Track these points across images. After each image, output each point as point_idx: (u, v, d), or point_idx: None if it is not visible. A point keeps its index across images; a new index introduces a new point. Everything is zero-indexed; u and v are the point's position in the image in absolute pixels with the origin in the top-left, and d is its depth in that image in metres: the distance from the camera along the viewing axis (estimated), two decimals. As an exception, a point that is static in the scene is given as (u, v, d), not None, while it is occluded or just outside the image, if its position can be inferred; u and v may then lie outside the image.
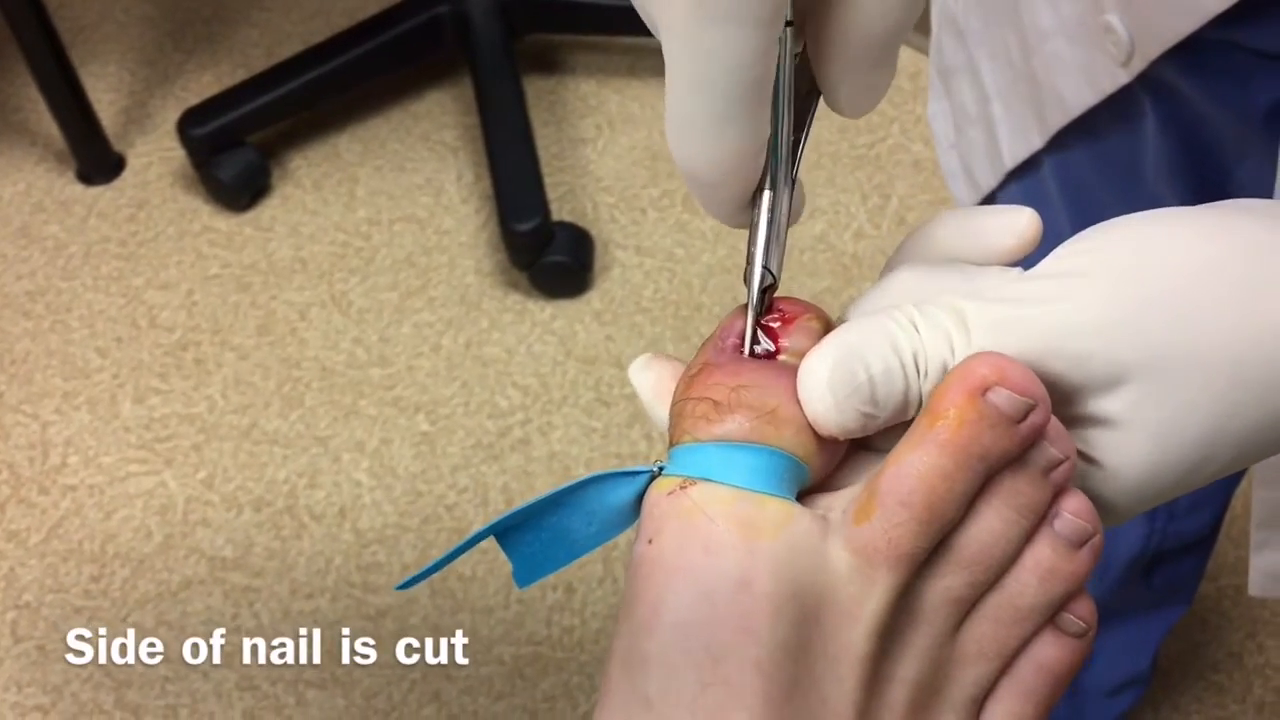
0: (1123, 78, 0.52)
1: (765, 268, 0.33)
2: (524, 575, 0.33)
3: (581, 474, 1.22)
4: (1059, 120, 0.58)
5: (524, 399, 1.28)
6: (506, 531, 0.33)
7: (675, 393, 0.33)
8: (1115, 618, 0.90)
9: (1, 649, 1.14)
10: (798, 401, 0.31)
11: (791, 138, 0.33)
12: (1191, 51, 0.48)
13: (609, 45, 1.60)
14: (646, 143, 1.50)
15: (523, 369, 1.30)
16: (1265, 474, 0.61)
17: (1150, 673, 1.00)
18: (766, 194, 0.33)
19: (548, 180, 1.38)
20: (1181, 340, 0.29)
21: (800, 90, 0.33)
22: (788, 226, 0.34)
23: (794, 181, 0.33)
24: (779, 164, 0.33)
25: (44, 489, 1.24)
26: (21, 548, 1.20)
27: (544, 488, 1.22)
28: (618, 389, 1.28)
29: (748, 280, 0.33)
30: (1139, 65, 0.50)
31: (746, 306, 0.33)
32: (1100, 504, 0.32)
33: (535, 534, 0.33)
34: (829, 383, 0.30)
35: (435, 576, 1.15)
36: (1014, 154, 0.63)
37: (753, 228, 0.33)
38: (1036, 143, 0.61)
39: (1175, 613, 0.93)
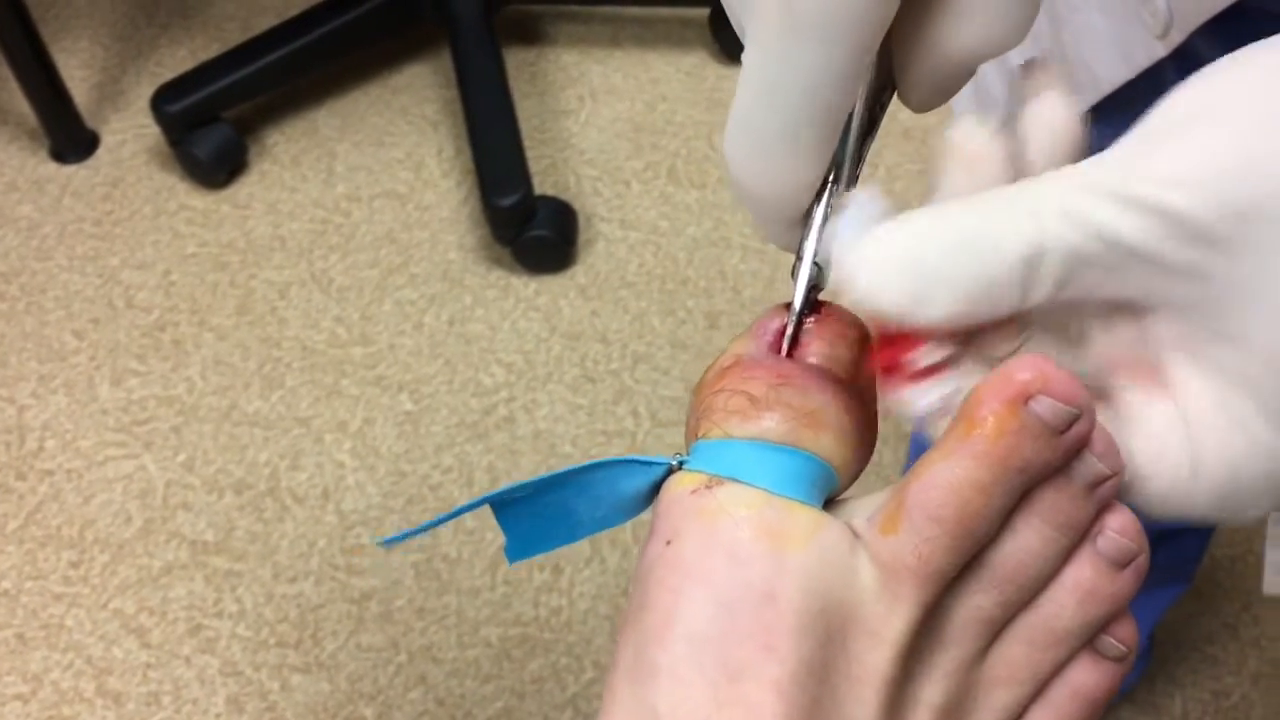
0: (1159, 51, 0.50)
1: (815, 263, 0.30)
2: (516, 550, 0.32)
3: (568, 452, 1.21)
4: (1090, 97, 0.55)
5: (508, 376, 1.26)
6: (505, 504, 0.31)
7: (703, 383, 0.30)
8: None
9: (-20, 637, 1.12)
10: (840, 407, 0.29)
11: (860, 143, 0.31)
12: (1226, 21, 0.46)
13: (590, 15, 1.58)
14: (629, 114, 1.47)
15: (507, 346, 1.28)
16: None
17: (1148, 649, 0.99)
18: (828, 188, 0.30)
19: (529, 153, 1.36)
20: None
21: (874, 86, 0.31)
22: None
23: (856, 182, 0.31)
24: (844, 162, 0.31)
25: (21, 474, 1.22)
26: (-1, 534, 1.18)
27: (530, 466, 1.20)
28: (603, 365, 1.26)
29: (795, 275, 0.31)
30: (1177, 37, 0.48)
31: (789, 304, 0.31)
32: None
33: (535, 510, 0.31)
34: (893, 255, 0.27)
35: (420, 557, 1.14)
36: None
37: (808, 223, 0.31)
38: None
39: (1175, 591, 0.91)
